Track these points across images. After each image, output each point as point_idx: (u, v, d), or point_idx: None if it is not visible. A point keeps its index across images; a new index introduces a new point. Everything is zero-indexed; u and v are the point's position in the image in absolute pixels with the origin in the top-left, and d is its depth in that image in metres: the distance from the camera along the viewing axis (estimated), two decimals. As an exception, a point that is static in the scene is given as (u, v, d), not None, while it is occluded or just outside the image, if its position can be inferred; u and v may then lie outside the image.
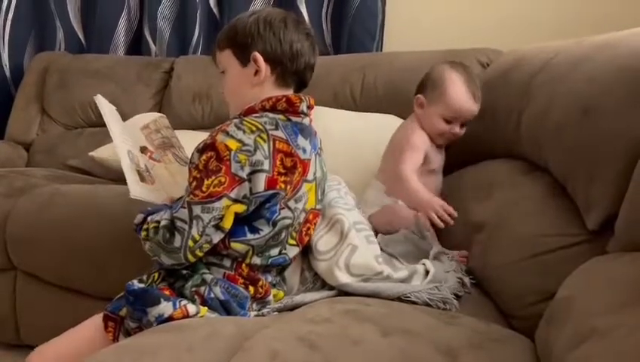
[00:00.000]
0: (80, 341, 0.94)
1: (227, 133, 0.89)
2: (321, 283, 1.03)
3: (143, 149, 1.10)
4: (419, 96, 1.27)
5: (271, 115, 0.96)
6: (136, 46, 2.29)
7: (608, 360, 0.54)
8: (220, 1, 2.17)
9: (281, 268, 1.03)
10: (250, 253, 0.94)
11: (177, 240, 0.87)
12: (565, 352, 0.61)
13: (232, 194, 0.88)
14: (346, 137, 1.51)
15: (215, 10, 2.20)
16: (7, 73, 2.36)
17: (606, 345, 0.56)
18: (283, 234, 0.96)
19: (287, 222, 0.95)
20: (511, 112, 1.16)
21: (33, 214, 1.43)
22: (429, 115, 1.24)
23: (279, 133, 0.93)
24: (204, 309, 0.88)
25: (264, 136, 0.91)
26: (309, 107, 1.01)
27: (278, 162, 0.91)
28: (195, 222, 0.86)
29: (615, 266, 0.72)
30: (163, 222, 0.88)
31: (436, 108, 1.23)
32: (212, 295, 0.90)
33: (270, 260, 0.96)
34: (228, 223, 0.89)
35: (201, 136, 0.95)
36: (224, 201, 0.87)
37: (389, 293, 0.95)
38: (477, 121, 1.25)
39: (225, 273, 0.94)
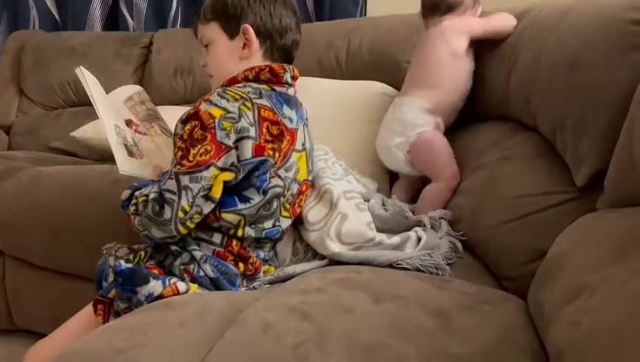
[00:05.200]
0: (74, 333, 0.92)
1: (210, 102, 0.88)
2: (312, 253, 1.03)
3: (129, 122, 1.07)
4: None
5: (254, 84, 0.94)
6: (113, 21, 2.23)
7: (601, 313, 0.54)
8: (198, -29, 2.12)
9: (274, 243, 1.02)
10: (242, 222, 0.93)
11: (167, 212, 0.85)
12: (558, 308, 0.61)
13: (220, 163, 0.86)
14: (335, 106, 1.49)
15: (193, -19, 2.14)
16: (-19, 55, 2.29)
17: (598, 299, 0.56)
18: (274, 204, 0.95)
19: (278, 190, 0.94)
20: (499, 72, 1.14)
21: (17, 197, 1.41)
22: None
23: (264, 102, 0.92)
24: (194, 286, 0.88)
25: (248, 104, 0.89)
26: (293, 77, 1.00)
27: (264, 130, 0.90)
28: (184, 192, 0.85)
29: (605, 223, 0.72)
30: (152, 195, 0.87)
31: None
32: (202, 273, 0.89)
33: (264, 233, 0.95)
34: (217, 193, 0.87)
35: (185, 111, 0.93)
36: (212, 170, 0.86)
37: (380, 261, 0.95)
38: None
39: (215, 250, 0.93)
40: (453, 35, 1.24)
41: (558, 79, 0.91)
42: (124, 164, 0.96)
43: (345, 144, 1.41)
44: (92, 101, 0.98)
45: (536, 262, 0.83)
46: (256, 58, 0.98)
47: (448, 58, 1.24)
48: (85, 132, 1.74)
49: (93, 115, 1.00)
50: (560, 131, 0.91)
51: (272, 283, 0.96)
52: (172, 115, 1.12)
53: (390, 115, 1.30)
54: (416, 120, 1.23)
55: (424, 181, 1.25)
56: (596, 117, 0.81)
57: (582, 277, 0.62)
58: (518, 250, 0.92)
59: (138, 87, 1.17)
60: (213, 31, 1.00)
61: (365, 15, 1.97)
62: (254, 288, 0.94)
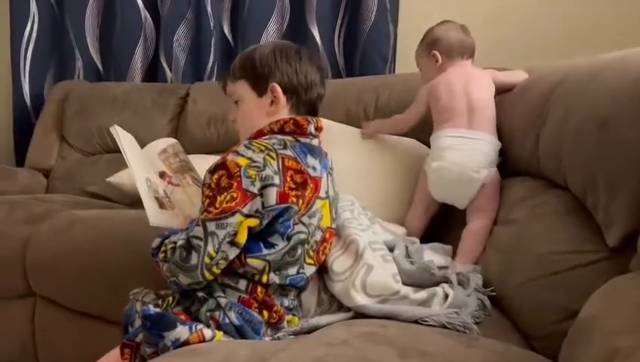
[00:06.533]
0: None
1: (237, 153, 0.92)
2: (337, 304, 1.02)
3: (162, 174, 1.11)
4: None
5: (279, 136, 0.98)
6: (153, 73, 2.33)
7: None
8: (234, 28, 2.22)
9: (298, 291, 1.02)
10: (267, 268, 0.94)
11: (194, 258, 0.87)
12: (590, 373, 0.59)
13: (245, 210, 0.89)
14: (363, 158, 1.51)
15: (229, 37, 2.24)
16: (28, 102, 2.42)
17: (631, 365, 0.54)
18: (299, 251, 0.96)
19: (302, 237, 0.95)
20: (529, 131, 1.15)
21: (53, 240, 1.45)
22: None
23: (288, 152, 0.95)
24: (219, 334, 0.88)
25: (273, 154, 0.93)
26: (317, 129, 1.03)
27: (288, 178, 0.93)
28: (210, 238, 0.87)
29: (638, 285, 0.70)
30: (180, 242, 0.90)
31: None
32: (227, 320, 0.90)
33: (288, 279, 0.96)
34: (242, 238, 0.89)
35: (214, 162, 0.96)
36: (238, 217, 0.88)
37: (406, 316, 0.94)
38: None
39: (240, 296, 0.94)
40: (490, 80, 1.34)
41: (588, 138, 0.91)
42: (155, 216, 1.00)
43: (373, 195, 1.42)
44: (125, 158, 1.03)
45: (566, 321, 0.81)
46: (283, 113, 1.02)
47: (492, 98, 1.32)
48: (121, 178, 1.80)
49: (129, 167, 1.05)
50: (591, 191, 0.90)
51: (296, 334, 0.95)
52: (203, 163, 1.16)
53: (466, 146, 1.24)
54: (494, 157, 1.25)
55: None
56: (627, 177, 0.81)
57: (616, 340, 0.60)
58: (547, 308, 0.89)
59: (172, 140, 1.22)
60: (242, 89, 1.05)
61: (394, 73, 2.02)
62: (278, 338, 0.94)
